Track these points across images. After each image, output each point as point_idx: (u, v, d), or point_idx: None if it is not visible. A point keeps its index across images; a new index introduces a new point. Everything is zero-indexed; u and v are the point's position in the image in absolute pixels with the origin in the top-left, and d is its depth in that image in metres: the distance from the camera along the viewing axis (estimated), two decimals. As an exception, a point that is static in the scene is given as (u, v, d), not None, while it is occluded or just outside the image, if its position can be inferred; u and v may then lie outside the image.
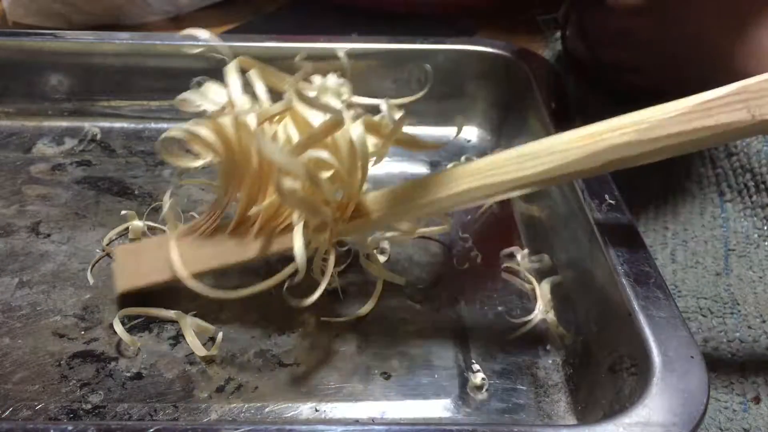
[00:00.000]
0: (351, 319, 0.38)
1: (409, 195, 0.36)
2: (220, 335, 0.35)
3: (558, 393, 0.34)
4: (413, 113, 0.54)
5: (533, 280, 0.41)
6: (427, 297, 0.40)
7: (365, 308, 0.38)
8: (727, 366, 0.35)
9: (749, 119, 0.31)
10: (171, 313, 0.36)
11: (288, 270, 0.34)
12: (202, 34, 0.36)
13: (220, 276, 0.38)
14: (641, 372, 0.29)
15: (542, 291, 0.40)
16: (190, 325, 0.36)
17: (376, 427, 0.30)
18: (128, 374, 0.34)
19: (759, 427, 0.32)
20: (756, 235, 0.41)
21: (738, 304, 0.38)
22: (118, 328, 0.35)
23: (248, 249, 0.37)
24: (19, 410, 0.32)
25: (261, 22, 0.69)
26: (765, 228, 0.41)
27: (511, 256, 0.43)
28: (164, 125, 0.51)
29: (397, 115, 0.39)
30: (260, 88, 0.36)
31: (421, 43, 0.53)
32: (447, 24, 0.69)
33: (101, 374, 0.34)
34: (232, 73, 0.35)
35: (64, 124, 0.52)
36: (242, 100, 0.35)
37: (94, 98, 0.50)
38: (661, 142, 0.31)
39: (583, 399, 0.33)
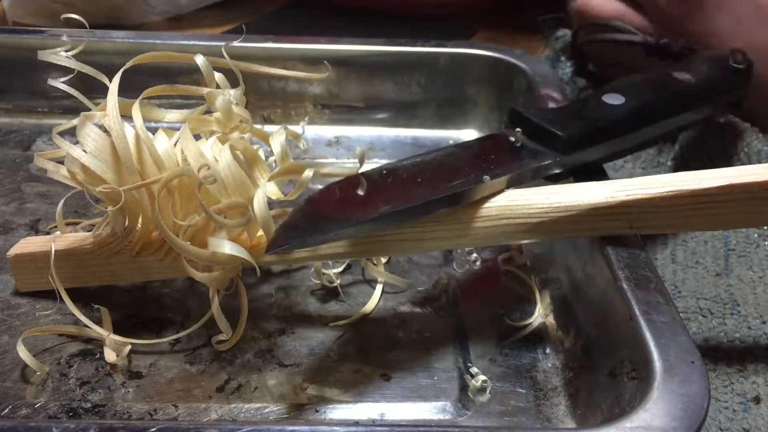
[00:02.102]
0: (351, 320, 0.38)
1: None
2: (127, 348, 0.35)
3: (557, 397, 0.35)
4: (415, 116, 0.55)
5: (533, 283, 0.41)
6: (426, 299, 0.40)
7: (365, 309, 0.38)
8: (727, 366, 0.35)
9: (627, 229, 0.34)
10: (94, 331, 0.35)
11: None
12: None
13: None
14: (641, 376, 0.29)
15: (542, 294, 0.40)
16: (108, 345, 0.35)
17: (376, 428, 0.30)
18: (128, 373, 0.34)
19: (759, 427, 0.32)
20: (756, 235, 0.41)
21: (738, 305, 0.38)
22: (23, 353, 0.33)
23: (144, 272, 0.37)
24: (18, 408, 0.32)
25: (261, 22, 0.69)
26: (765, 228, 0.41)
27: (510, 259, 0.43)
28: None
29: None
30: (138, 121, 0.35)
31: (422, 46, 0.53)
32: (447, 24, 0.69)
33: (101, 373, 0.34)
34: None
35: (63, 122, 0.52)
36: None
37: (93, 97, 0.50)
38: (546, 233, 0.34)
39: (583, 403, 0.33)
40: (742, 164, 0.44)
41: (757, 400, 0.33)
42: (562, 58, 0.57)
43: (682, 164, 0.47)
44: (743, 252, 0.41)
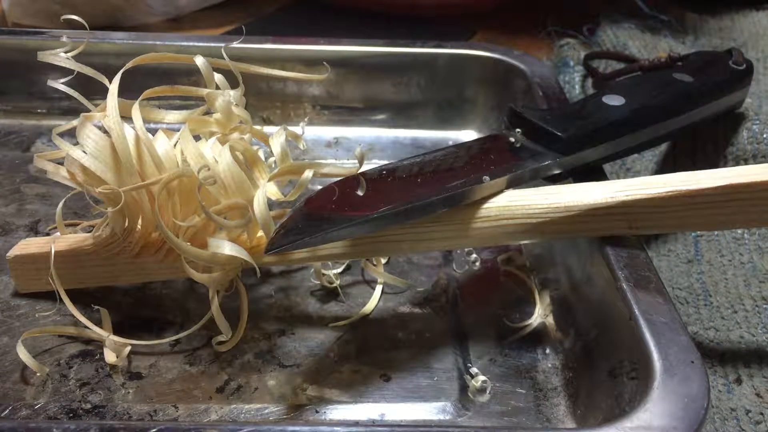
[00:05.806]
0: (351, 321, 0.38)
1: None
2: (127, 349, 0.35)
3: (557, 397, 0.35)
4: (414, 117, 0.55)
5: (532, 283, 0.41)
6: (426, 300, 0.40)
7: (365, 310, 0.38)
8: (707, 350, 0.35)
9: (627, 229, 0.34)
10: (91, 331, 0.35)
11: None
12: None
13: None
14: (641, 376, 0.29)
15: (541, 295, 0.40)
16: (108, 346, 0.35)
17: (376, 428, 0.30)
18: (128, 374, 0.34)
19: (744, 406, 0.32)
20: None
21: (710, 295, 0.38)
22: (22, 354, 0.33)
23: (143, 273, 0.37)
24: (18, 409, 0.32)
25: (260, 23, 0.69)
26: None
27: (510, 259, 0.43)
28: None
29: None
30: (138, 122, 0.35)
31: (421, 47, 0.53)
32: (446, 25, 0.69)
33: (101, 374, 0.34)
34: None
35: (62, 123, 0.52)
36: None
37: (93, 98, 0.51)
38: (546, 233, 0.34)
39: (583, 403, 0.33)
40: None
41: (738, 381, 0.34)
42: (571, 63, 0.57)
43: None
44: (711, 237, 0.41)
